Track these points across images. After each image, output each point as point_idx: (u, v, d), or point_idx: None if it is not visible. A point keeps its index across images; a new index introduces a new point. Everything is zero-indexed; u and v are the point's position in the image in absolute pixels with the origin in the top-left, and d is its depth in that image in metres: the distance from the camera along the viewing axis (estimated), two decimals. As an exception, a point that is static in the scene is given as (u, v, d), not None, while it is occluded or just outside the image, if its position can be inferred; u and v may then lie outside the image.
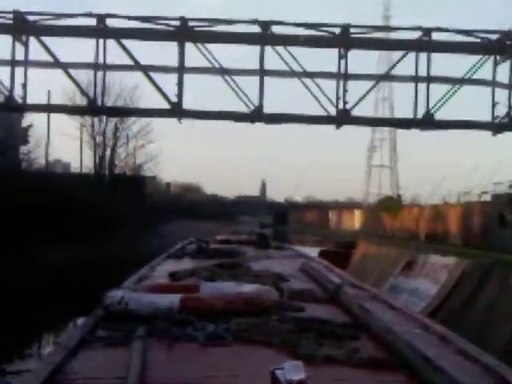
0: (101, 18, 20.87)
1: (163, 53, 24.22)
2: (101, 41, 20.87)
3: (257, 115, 21.22)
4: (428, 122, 21.46)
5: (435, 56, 21.24)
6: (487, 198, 26.36)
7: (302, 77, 21.23)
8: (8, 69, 21.06)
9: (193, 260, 10.27)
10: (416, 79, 21.30)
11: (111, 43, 20.91)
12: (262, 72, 21.07)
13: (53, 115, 44.83)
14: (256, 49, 21.05)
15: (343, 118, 21.35)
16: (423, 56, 21.13)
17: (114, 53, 21.36)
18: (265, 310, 4.91)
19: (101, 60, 21.04)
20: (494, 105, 21.38)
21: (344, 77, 21.18)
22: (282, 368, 3.16)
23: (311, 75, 21.29)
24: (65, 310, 20.26)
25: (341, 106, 21.08)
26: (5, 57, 21.26)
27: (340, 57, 21.23)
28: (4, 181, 33.76)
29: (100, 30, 20.86)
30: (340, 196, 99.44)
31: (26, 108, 24.08)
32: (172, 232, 43.08)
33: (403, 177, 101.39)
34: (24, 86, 21.07)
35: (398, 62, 21.60)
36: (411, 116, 21.60)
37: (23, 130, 46.50)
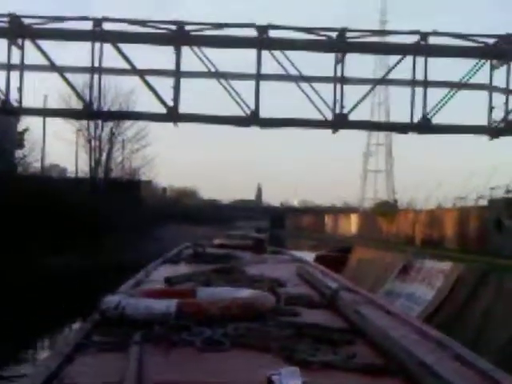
0: (97, 21, 20.88)
1: (159, 57, 24.23)
2: (97, 44, 20.88)
3: (253, 119, 21.24)
4: (425, 127, 21.50)
5: (432, 60, 21.31)
6: (483, 202, 26.37)
7: (299, 81, 21.26)
8: (4, 72, 21.07)
9: (189, 265, 10.26)
10: (413, 83, 21.33)
11: (107, 47, 20.93)
12: (258, 76, 21.10)
13: (49, 120, 44.83)
14: (253, 53, 21.09)
15: (340, 122, 21.38)
16: (420, 60, 21.18)
17: (110, 57, 21.39)
18: (261, 315, 4.91)
19: (97, 64, 21.06)
20: (490, 109, 21.42)
21: (341, 81, 21.20)
22: (278, 373, 3.17)
23: (308, 79, 21.32)
24: (55, 316, 20.15)
25: (338, 110, 21.11)
26: (0, 60, 21.28)
27: (337, 61, 21.26)
28: (-1, 185, 33.70)
29: (96, 34, 20.86)
30: (336, 200, 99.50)
31: (21, 112, 24.10)
32: (168, 236, 43.06)
33: (399, 181, 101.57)
34: (20, 89, 21.07)
35: (395, 66, 21.61)
36: (408, 120, 21.64)
37: (19, 134, 46.40)
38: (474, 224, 24.28)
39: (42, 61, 21.15)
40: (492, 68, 21.38)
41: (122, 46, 21.01)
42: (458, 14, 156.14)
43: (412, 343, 4.20)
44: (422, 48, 21.13)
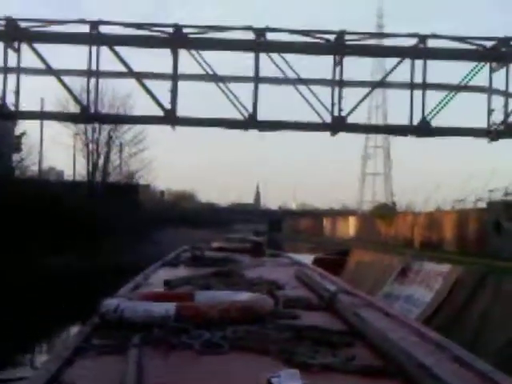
0: (94, 24, 20.87)
1: (157, 61, 24.26)
2: (94, 48, 20.86)
3: (251, 122, 21.23)
4: (424, 129, 21.50)
5: (431, 63, 21.31)
6: (482, 205, 26.37)
7: (297, 84, 21.27)
8: (0, 76, 21.03)
9: (188, 268, 10.26)
10: (412, 86, 21.34)
11: (104, 50, 20.92)
12: (256, 79, 21.10)
13: (46, 123, 44.96)
14: (250, 56, 21.10)
15: (338, 125, 21.38)
16: (419, 63, 21.19)
17: (107, 60, 21.39)
18: (260, 318, 4.91)
19: (94, 67, 21.04)
20: (490, 112, 21.42)
21: (339, 84, 21.21)
22: (278, 376, 3.17)
23: (306, 82, 21.33)
24: (53, 317, 20.15)
25: (336, 112, 21.11)
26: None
27: (335, 64, 21.27)
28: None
29: (93, 37, 20.85)
30: (334, 203, 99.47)
31: (18, 115, 24.06)
32: (166, 240, 43.02)
33: (397, 184, 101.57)
34: (16, 93, 21.04)
35: (394, 69, 21.59)
36: (406, 123, 21.64)
37: (16, 138, 46.41)
38: (473, 226, 24.29)
39: (39, 64, 21.14)
40: (491, 70, 21.39)
41: (119, 49, 21.02)
42: (456, 19, 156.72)
43: (411, 345, 4.21)
44: (421, 51, 21.15)
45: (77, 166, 55.50)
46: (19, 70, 21.31)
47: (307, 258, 22.90)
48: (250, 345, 4.21)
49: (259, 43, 20.94)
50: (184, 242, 20.04)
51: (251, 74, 21.16)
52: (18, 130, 46.10)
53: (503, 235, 21.13)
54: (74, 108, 27.25)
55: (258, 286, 6.90)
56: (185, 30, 21.14)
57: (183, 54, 20.97)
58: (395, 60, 21.52)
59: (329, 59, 21.44)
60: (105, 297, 5.18)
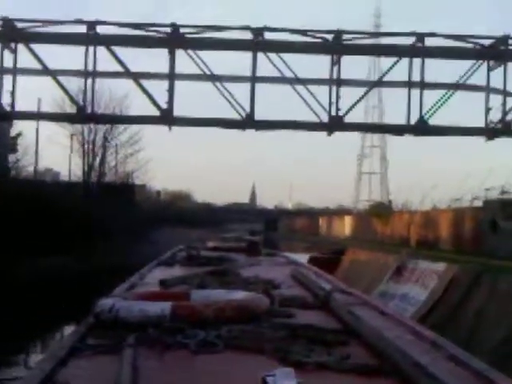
0: (91, 24, 20.84)
1: (154, 61, 24.20)
2: (91, 48, 20.83)
3: (248, 122, 21.22)
4: (422, 128, 21.49)
5: (428, 61, 21.29)
6: (478, 203, 26.41)
7: (294, 83, 21.25)
8: (-3, 76, 21.00)
9: (183, 267, 10.26)
10: (409, 85, 21.31)
11: (101, 50, 20.90)
12: (254, 79, 21.08)
13: (42, 124, 44.84)
14: (248, 55, 21.08)
15: (336, 124, 21.37)
16: (416, 62, 21.18)
17: (104, 60, 21.36)
18: (256, 317, 4.91)
19: (91, 67, 21.01)
20: (487, 110, 21.42)
21: (337, 83, 21.19)
22: (273, 375, 3.17)
23: (303, 82, 21.31)
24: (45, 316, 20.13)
25: (333, 112, 21.10)
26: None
27: (333, 63, 21.25)
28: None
29: (90, 37, 20.82)
30: (330, 203, 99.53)
31: (14, 116, 24.01)
32: (163, 239, 43.03)
33: (394, 183, 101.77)
34: (12, 93, 21.01)
35: (391, 68, 21.54)
36: (403, 122, 21.64)
37: (12, 139, 46.34)
38: (469, 225, 24.33)
39: (35, 64, 21.11)
40: (489, 69, 21.37)
41: (115, 49, 20.99)
42: (454, 19, 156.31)
43: (406, 344, 4.21)
44: (419, 49, 21.12)
45: (72, 167, 55.53)
46: (15, 71, 21.28)
47: (303, 258, 22.93)
48: (246, 344, 4.21)
49: (257, 43, 20.92)
50: (180, 241, 20.04)
51: (248, 73, 21.15)
52: (13, 131, 46.06)
53: (499, 234, 21.17)
54: (70, 108, 27.22)
55: (254, 285, 6.90)
56: (182, 30, 21.12)
57: (180, 53, 20.95)
58: (392, 60, 21.51)
59: (326, 59, 21.45)
60: (100, 297, 5.17)
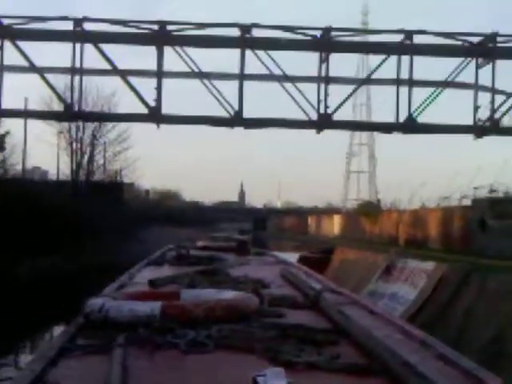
0: (78, 21, 20.75)
1: (141, 60, 24.20)
2: (78, 45, 20.74)
3: (236, 120, 21.22)
4: (410, 126, 21.55)
5: (417, 59, 21.35)
6: (467, 202, 26.47)
7: (283, 81, 21.25)
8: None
9: (173, 267, 10.23)
10: (398, 82, 21.36)
11: (89, 48, 20.83)
12: (242, 76, 21.06)
13: (30, 122, 44.56)
14: (236, 53, 21.06)
15: (325, 122, 21.40)
16: (405, 59, 21.23)
17: (91, 58, 21.29)
18: (245, 317, 4.91)
19: (78, 65, 20.92)
20: (476, 108, 21.48)
21: (325, 81, 21.21)
22: (263, 375, 3.17)
23: (292, 79, 21.32)
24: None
25: (322, 110, 21.11)
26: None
27: (321, 60, 21.27)
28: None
29: (77, 34, 20.73)
30: (319, 201, 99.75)
31: (1, 113, 23.88)
32: (152, 238, 42.97)
33: (382, 182, 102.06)
34: (-1, 91, 20.90)
35: (380, 65, 21.61)
36: (391, 120, 21.70)
37: (-1, 137, 46.03)
38: (458, 224, 24.38)
39: (22, 62, 20.99)
40: (477, 67, 21.43)
41: (103, 47, 20.92)
42: (442, 18, 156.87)
43: (395, 343, 4.22)
44: (407, 47, 21.17)
45: (61, 166, 55.26)
46: (2, 68, 21.16)
47: (292, 257, 22.96)
48: (236, 343, 4.21)
49: (244, 40, 20.91)
50: (170, 240, 20.01)
51: (237, 71, 21.13)
52: (1, 129, 45.73)
53: (488, 233, 21.23)
54: (57, 106, 27.17)
55: (244, 285, 6.90)
56: (169, 27, 21.08)
57: (168, 51, 20.93)
58: (381, 57, 21.55)
59: (315, 56, 21.47)
60: (89, 296, 5.16)
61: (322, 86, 21.21)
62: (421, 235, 28.07)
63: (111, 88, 49.01)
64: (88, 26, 20.93)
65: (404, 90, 21.27)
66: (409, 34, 21.13)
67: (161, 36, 20.89)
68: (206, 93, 21.01)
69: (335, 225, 49.74)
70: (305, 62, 23.82)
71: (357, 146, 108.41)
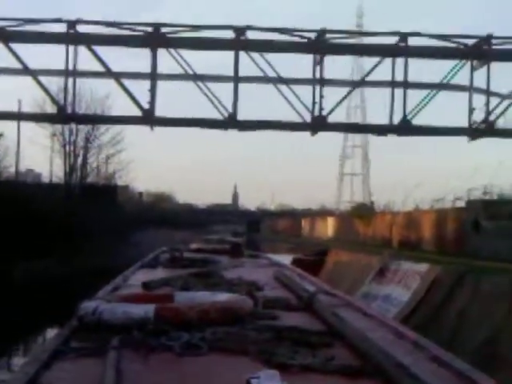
0: (71, 23, 20.69)
1: (135, 62, 24.17)
2: (71, 47, 20.68)
3: (231, 122, 21.19)
4: (405, 128, 21.54)
5: (411, 61, 21.35)
6: (461, 204, 26.49)
7: (277, 83, 21.24)
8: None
9: (167, 269, 10.24)
10: (393, 84, 21.37)
11: (82, 50, 20.77)
12: (237, 78, 21.04)
13: (24, 125, 44.47)
14: (230, 55, 21.04)
15: (319, 124, 21.38)
16: (399, 61, 21.25)
17: (85, 60, 21.23)
18: (240, 319, 4.91)
19: (71, 67, 20.86)
20: (471, 110, 21.50)
21: (320, 83, 21.21)
22: (257, 377, 3.17)
23: (286, 81, 21.31)
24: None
25: (316, 112, 21.11)
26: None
27: (315, 63, 21.26)
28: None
29: (70, 36, 20.66)
30: (313, 204, 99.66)
31: (-6, 116, 23.81)
32: (146, 241, 42.93)
33: (376, 184, 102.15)
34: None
35: (375, 67, 21.58)
36: (385, 122, 21.69)
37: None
38: (452, 226, 24.39)
39: (15, 64, 20.92)
40: (472, 69, 21.44)
41: (97, 49, 20.88)
42: (437, 20, 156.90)
43: (389, 345, 4.23)
44: (402, 49, 21.17)
45: (54, 168, 55.13)
46: (-5, 71, 21.10)
47: (286, 259, 22.96)
48: (230, 346, 4.21)
49: (239, 42, 20.87)
50: (164, 243, 19.99)
51: (231, 73, 21.11)
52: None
53: (482, 234, 21.25)
54: (51, 108, 27.06)
55: (238, 287, 6.91)
56: (164, 30, 21.04)
57: (162, 53, 20.89)
58: (375, 59, 21.56)
59: (309, 58, 21.46)
60: (83, 299, 5.15)
61: (317, 88, 21.21)
62: (414, 237, 28.08)
63: (105, 90, 48.96)
64: (82, 28, 20.91)
65: (399, 92, 21.31)
66: (403, 37, 21.15)
67: (155, 38, 20.86)
68: (200, 95, 21.01)
69: (329, 227, 49.71)
70: (299, 64, 23.85)
71: (350, 148, 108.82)
